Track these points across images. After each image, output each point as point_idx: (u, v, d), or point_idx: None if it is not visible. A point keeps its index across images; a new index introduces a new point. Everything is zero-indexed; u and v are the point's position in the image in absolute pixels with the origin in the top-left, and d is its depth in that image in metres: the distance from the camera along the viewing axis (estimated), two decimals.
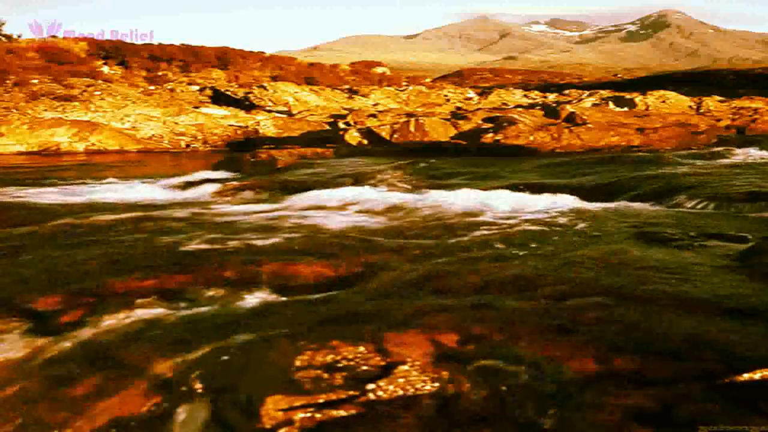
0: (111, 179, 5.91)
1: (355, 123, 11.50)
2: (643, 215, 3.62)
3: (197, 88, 16.88)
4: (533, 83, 40.18)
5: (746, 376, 1.29)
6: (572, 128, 8.88)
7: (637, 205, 4.13)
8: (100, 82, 14.01)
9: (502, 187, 4.67)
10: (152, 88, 16.22)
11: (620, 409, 1.21)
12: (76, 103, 11.84)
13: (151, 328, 1.73)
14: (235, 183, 5.24)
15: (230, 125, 12.18)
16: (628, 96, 16.06)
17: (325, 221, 3.44)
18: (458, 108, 15.92)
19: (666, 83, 27.41)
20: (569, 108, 11.45)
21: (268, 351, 1.49)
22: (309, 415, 1.23)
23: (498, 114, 10.82)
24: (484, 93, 22.24)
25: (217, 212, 3.88)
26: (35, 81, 12.94)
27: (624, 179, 5.08)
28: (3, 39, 19.04)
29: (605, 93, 19.35)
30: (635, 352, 1.44)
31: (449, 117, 11.23)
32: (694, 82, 30.00)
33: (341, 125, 11.58)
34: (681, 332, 1.56)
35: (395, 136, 9.43)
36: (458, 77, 49.43)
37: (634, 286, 1.98)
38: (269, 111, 14.04)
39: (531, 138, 8.54)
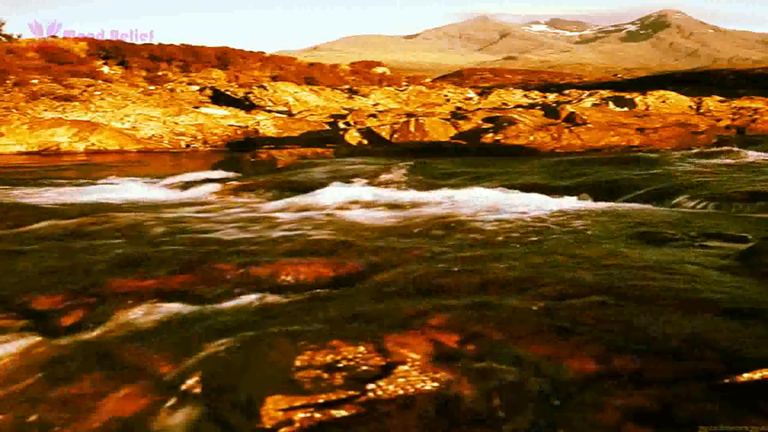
0: (111, 179, 5.91)
1: (355, 123, 11.51)
2: (643, 215, 3.62)
3: (197, 88, 16.88)
4: (533, 83, 40.17)
5: (746, 376, 1.29)
6: (572, 128, 8.88)
7: (637, 205, 4.13)
8: (100, 82, 14.02)
9: (501, 187, 4.67)
10: (152, 88, 16.22)
11: (620, 409, 1.21)
12: (76, 103, 11.84)
13: (152, 327, 1.74)
14: (235, 183, 5.24)
15: (230, 125, 12.18)
16: (628, 96, 16.07)
17: (325, 221, 3.44)
18: (458, 108, 15.93)
19: (666, 83, 27.40)
20: (569, 108, 11.45)
21: (268, 351, 1.49)
22: (309, 415, 1.23)
23: (498, 114, 10.83)
24: (484, 93, 22.24)
25: (217, 212, 3.88)
26: (35, 81, 12.93)
27: (624, 179, 5.08)
28: (3, 39, 19.05)
29: (605, 93, 19.35)
30: (635, 352, 1.44)
31: (449, 117, 11.24)
32: (694, 82, 30.01)
33: (341, 125, 11.59)
34: (681, 332, 1.56)
35: (395, 136, 9.43)
36: (458, 77, 49.43)
37: (634, 286, 1.98)
38: (269, 111, 14.04)
39: (531, 138, 8.54)
